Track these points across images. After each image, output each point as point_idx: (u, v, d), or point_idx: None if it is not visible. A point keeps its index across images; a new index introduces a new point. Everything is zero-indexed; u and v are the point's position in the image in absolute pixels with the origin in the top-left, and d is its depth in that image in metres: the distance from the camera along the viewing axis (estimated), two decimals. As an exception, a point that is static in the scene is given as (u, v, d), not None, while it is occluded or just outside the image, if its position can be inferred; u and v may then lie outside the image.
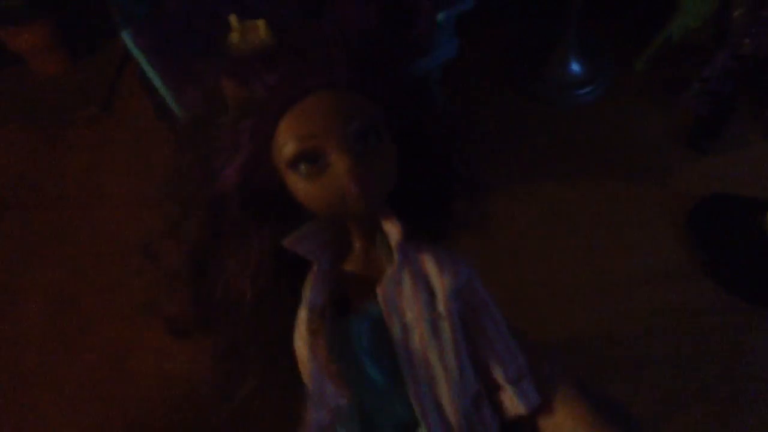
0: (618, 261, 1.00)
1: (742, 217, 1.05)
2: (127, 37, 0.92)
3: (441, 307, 0.43)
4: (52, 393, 0.92)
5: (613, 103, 1.21)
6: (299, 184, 0.42)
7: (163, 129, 1.13)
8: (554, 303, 0.97)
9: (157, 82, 0.97)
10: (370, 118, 0.42)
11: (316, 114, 0.42)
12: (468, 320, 0.45)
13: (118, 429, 0.90)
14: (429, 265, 0.44)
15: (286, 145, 0.41)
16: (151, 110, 1.14)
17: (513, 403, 0.45)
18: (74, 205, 1.08)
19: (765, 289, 0.99)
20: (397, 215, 0.44)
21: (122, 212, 1.07)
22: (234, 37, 0.85)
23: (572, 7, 1.15)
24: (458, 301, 0.44)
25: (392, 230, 0.44)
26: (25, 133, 1.13)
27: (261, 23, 0.84)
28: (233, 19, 0.84)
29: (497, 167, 1.10)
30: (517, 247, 1.02)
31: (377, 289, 0.43)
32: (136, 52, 0.95)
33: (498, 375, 0.45)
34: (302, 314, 0.44)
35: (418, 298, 0.43)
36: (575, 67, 1.22)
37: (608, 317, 0.95)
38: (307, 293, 0.44)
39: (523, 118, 1.19)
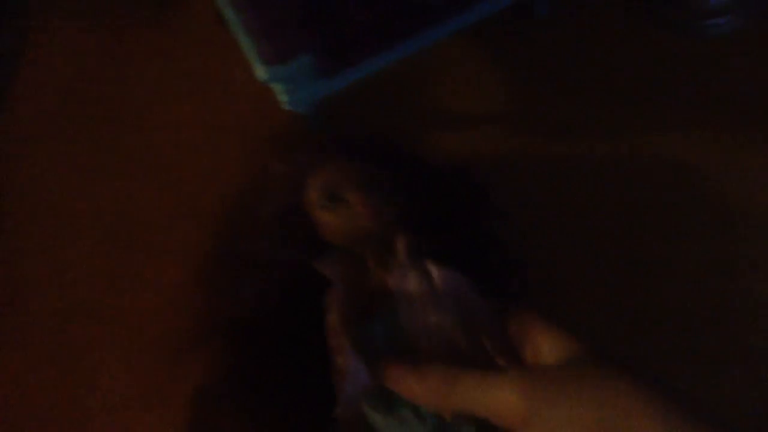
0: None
1: None
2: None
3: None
4: (102, 328, 0.85)
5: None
6: (324, 219, 0.55)
7: (228, 39, 1.00)
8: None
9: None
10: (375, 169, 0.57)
11: (336, 172, 0.56)
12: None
13: (166, 370, 0.83)
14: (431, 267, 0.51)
15: (316, 191, 0.56)
16: (215, 18, 1.01)
17: None
18: (131, 123, 0.99)
19: None
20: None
21: (179, 135, 0.97)
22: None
23: None
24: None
25: (399, 246, 0.52)
26: (82, 34, 1.02)
27: None
28: None
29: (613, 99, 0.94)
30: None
31: (388, 280, 0.51)
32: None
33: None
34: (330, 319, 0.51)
35: (424, 287, 0.50)
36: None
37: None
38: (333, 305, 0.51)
39: (649, 47, 1.00)
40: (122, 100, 1.00)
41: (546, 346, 0.39)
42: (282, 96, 0.86)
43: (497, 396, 0.36)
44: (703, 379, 0.76)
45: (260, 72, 0.82)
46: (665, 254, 0.85)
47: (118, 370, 0.84)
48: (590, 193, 0.89)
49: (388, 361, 0.44)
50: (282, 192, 0.58)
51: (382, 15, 0.86)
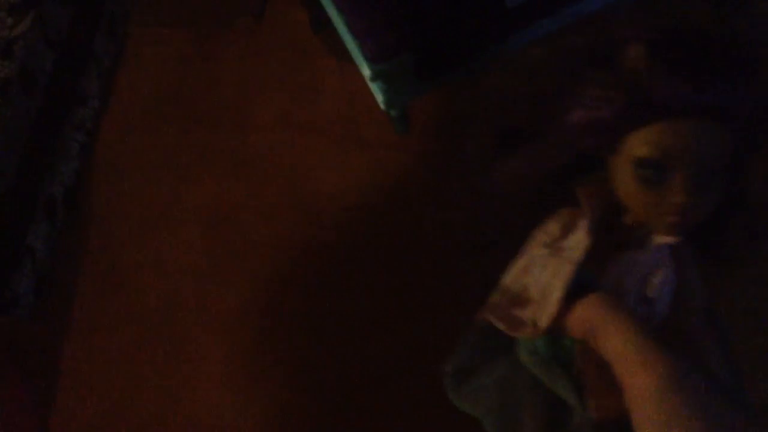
0: None
1: None
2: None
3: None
4: (204, 321, 0.87)
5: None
6: (628, 180, 0.46)
7: (318, 44, 1.05)
8: None
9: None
10: (722, 163, 0.45)
11: (686, 137, 0.44)
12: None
13: (269, 362, 0.85)
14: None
15: (644, 147, 0.45)
16: (306, 24, 1.05)
17: None
18: (224, 123, 1.02)
19: None
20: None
21: (272, 135, 1.00)
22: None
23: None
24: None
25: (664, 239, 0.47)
26: (178, 39, 1.06)
27: None
28: None
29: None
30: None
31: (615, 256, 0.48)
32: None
33: None
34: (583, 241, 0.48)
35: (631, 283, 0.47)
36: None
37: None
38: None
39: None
40: (216, 102, 1.04)
41: None
42: (379, 96, 0.90)
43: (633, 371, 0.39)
44: None
45: (364, 69, 0.86)
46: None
47: (216, 352, 0.86)
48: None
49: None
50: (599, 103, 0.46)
51: (478, 19, 0.90)
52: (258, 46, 1.05)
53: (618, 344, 0.41)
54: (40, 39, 0.85)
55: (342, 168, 0.97)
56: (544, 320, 0.47)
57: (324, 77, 1.02)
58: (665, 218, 0.45)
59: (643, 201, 0.46)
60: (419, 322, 0.83)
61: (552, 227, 0.51)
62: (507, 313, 0.50)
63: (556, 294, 0.47)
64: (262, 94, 1.03)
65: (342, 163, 0.98)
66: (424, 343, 0.79)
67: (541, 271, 0.50)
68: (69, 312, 0.88)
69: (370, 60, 0.81)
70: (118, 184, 0.98)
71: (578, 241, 0.48)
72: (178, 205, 0.96)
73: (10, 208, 0.82)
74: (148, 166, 1.00)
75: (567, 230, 0.51)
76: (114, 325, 0.89)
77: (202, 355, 0.86)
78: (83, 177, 0.97)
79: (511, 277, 0.51)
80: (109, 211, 0.96)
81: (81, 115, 0.95)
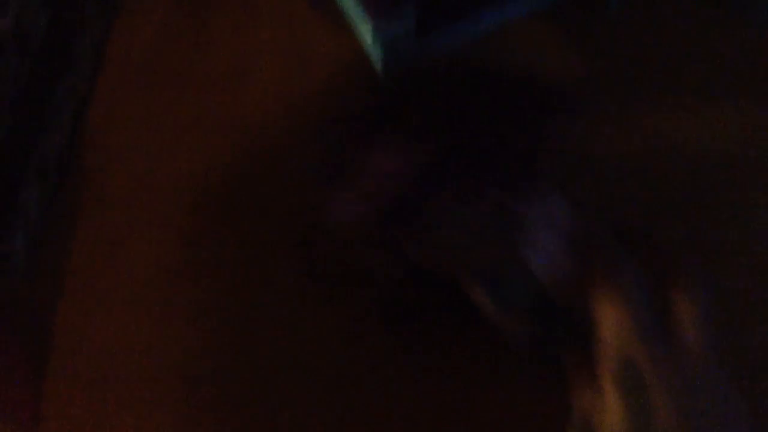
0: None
1: None
2: None
3: None
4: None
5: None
6: None
7: (317, 17, 1.05)
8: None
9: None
10: None
11: None
12: None
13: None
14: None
15: None
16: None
17: None
18: (219, 88, 1.02)
19: None
20: None
21: (269, 101, 1.00)
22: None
23: None
24: None
25: None
26: (171, 7, 1.06)
27: None
28: None
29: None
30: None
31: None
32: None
33: None
34: None
35: None
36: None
37: None
38: None
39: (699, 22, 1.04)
40: (204, 68, 1.04)
41: None
42: (379, 64, 0.90)
43: None
44: None
45: (365, 33, 0.86)
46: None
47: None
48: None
49: None
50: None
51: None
52: (252, 19, 1.06)
53: None
54: (35, -4, 0.84)
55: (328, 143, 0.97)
56: None
57: (318, 48, 1.03)
58: None
59: None
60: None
61: None
62: None
63: None
64: (254, 65, 1.03)
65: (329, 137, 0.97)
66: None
67: None
68: (62, 273, 0.87)
69: (373, 15, 0.81)
70: (111, 148, 0.97)
71: None
72: (169, 168, 0.96)
73: (0, 167, 0.81)
74: (139, 130, 0.99)
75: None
76: (106, 288, 0.89)
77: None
78: (75, 141, 0.96)
79: None
80: (101, 174, 0.95)
81: (73, 80, 0.94)
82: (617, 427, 0.40)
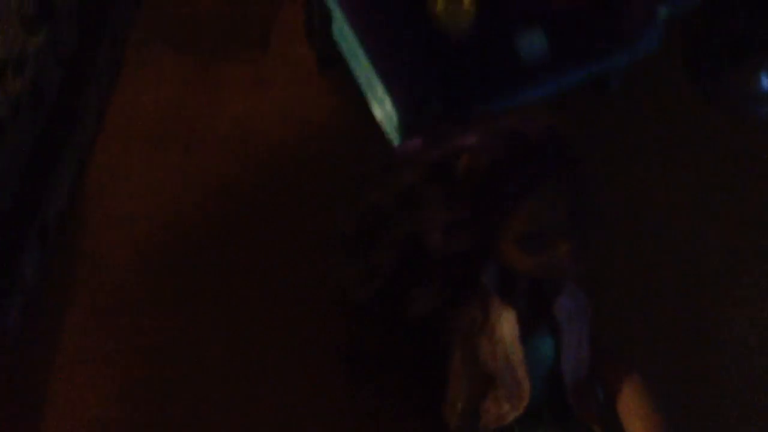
0: None
1: None
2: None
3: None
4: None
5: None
6: (517, 255, 0.55)
7: (324, 83, 1.05)
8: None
9: (356, 49, 0.88)
10: (569, 208, 0.56)
11: (546, 206, 0.54)
12: None
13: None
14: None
15: (520, 226, 0.54)
16: (312, 61, 1.05)
17: None
18: (224, 150, 1.01)
19: None
20: None
21: (274, 166, 1.00)
22: (438, 5, 0.84)
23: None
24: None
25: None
26: (179, 67, 1.04)
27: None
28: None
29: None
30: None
31: (555, 306, 0.58)
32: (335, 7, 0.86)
33: None
34: (511, 317, 0.55)
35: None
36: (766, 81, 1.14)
37: None
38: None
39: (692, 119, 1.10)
40: (208, 129, 1.02)
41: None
42: (396, 138, 0.91)
43: None
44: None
45: (384, 114, 0.87)
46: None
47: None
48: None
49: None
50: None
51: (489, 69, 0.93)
52: (262, 76, 1.05)
53: None
54: (51, 55, 0.81)
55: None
56: (524, 399, 0.54)
57: (324, 115, 1.03)
58: (564, 270, 0.56)
59: (536, 265, 0.55)
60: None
61: (472, 314, 0.58)
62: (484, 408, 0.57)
63: (521, 373, 0.54)
64: (258, 127, 1.02)
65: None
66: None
67: (491, 359, 0.56)
68: (56, 339, 0.84)
69: (402, 108, 0.83)
70: (110, 208, 0.94)
71: (505, 317, 0.55)
72: (168, 233, 0.94)
73: (4, 234, 0.77)
74: (138, 194, 0.96)
75: (486, 312, 0.57)
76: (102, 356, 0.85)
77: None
78: (75, 200, 0.92)
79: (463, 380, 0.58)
80: (99, 235, 0.92)
81: (78, 138, 0.91)
82: None
